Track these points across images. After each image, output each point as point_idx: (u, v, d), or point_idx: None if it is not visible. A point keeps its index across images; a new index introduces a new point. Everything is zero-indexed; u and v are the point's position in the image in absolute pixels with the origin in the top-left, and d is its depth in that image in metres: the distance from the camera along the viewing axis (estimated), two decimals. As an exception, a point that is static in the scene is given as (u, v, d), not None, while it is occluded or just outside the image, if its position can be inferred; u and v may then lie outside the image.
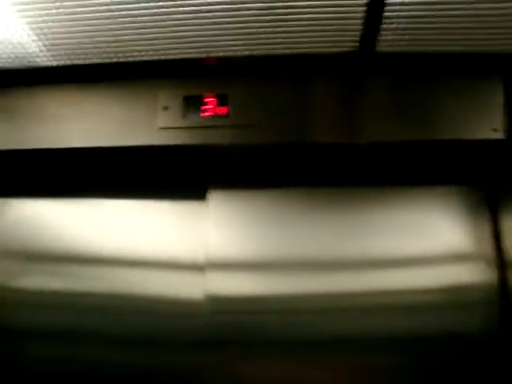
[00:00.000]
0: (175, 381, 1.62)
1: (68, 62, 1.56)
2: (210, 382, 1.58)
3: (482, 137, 1.49)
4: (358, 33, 1.38)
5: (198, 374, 1.59)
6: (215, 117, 1.54)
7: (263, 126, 1.53)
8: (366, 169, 1.73)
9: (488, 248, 1.64)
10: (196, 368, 1.59)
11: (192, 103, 1.56)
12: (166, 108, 1.56)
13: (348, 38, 1.41)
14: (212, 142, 1.55)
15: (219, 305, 1.63)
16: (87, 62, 1.55)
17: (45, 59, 1.55)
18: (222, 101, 1.55)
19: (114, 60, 1.53)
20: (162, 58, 1.51)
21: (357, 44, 1.42)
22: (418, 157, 1.66)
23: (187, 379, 1.61)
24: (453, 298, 1.59)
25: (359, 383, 1.57)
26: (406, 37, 1.40)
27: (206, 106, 1.55)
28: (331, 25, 1.35)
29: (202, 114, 1.55)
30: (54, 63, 1.57)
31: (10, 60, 1.56)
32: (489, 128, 1.49)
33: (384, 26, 1.35)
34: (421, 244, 1.65)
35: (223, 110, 1.54)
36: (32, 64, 1.57)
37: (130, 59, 1.53)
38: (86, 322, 1.69)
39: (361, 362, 1.58)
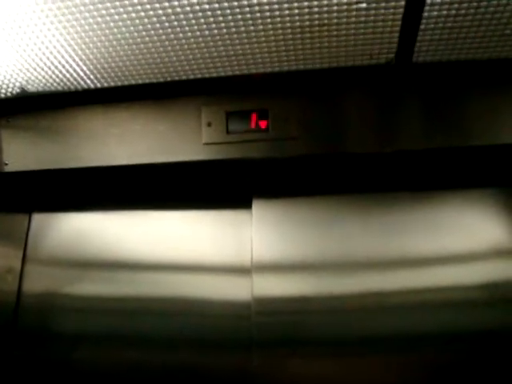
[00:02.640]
0: (223, 382, 1.67)
1: (112, 84, 1.64)
2: (258, 382, 1.63)
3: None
4: (394, 45, 1.42)
5: (246, 375, 1.64)
6: (256, 131, 1.60)
7: (301, 139, 1.57)
8: (408, 175, 1.76)
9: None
10: (244, 368, 1.64)
11: (234, 119, 1.62)
12: (209, 124, 1.62)
13: (385, 50, 1.45)
14: (254, 156, 1.60)
15: (266, 306, 1.68)
16: (132, 82, 1.62)
17: (89, 82, 1.63)
18: (263, 115, 1.60)
19: (158, 80, 1.60)
20: (205, 76, 1.57)
21: (393, 56, 1.46)
22: (461, 162, 1.69)
23: (236, 380, 1.66)
24: (496, 295, 1.61)
25: (404, 381, 1.60)
26: (442, 47, 1.43)
27: (248, 121, 1.60)
28: (368, 39, 1.40)
29: (243, 129, 1.60)
30: (99, 85, 1.64)
31: (56, 84, 1.63)
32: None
33: (420, 37, 1.39)
34: (464, 242, 1.67)
35: (263, 124, 1.59)
36: (78, 87, 1.65)
37: (174, 78, 1.59)
38: (137, 326, 1.76)
39: (406, 359, 1.60)
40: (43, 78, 1.59)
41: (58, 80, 1.61)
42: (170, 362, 1.71)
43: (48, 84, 1.63)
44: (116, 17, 1.33)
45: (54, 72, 1.57)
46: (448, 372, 1.57)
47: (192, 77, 1.58)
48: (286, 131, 1.58)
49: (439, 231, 1.69)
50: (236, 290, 1.73)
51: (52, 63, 1.52)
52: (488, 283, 1.62)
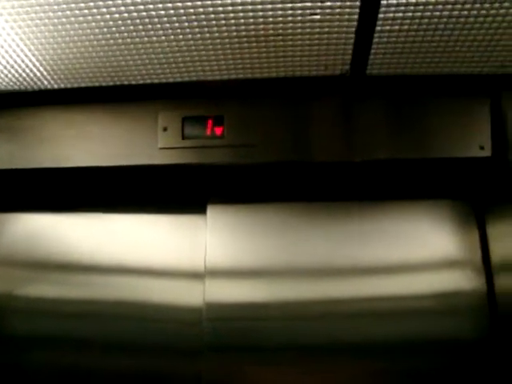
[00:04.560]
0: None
1: (69, 86, 1.63)
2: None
3: (469, 155, 1.54)
4: (348, 57, 1.44)
5: (197, 381, 1.64)
6: (212, 137, 1.60)
7: (258, 146, 1.59)
8: (359, 185, 1.79)
9: (476, 256, 1.70)
10: (196, 375, 1.64)
11: (190, 124, 1.62)
12: (165, 129, 1.62)
13: (339, 62, 1.47)
14: (209, 162, 1.60)
15: (218, 312, 1.69)
16: (89, 85, 1.61)
17: (46, 82, 1.61)
18: (218, 122, 1.60)
19: (115, 83, 1.60)
20: (162, 81, 1.57)
21: (347, 67, 1.49)
22: (410, 173, 1.72)
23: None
24: (442, 304, 1.65)
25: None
26: (395, 60, 1.46)
27: (203, 127, 1.61)
28: (323, 50, 1.42)
29: (199, 135, 1.61)
30: (56, 86, 1.63)
31: (12, 83, 1.62)
32: (476, 146, 1.54)
33: (373, 50, 1.41)
34: (412, 253, 1.71)
35: (219, 130, 1.60)
36: (36, 87, 1.63)
37: (131, 82, 1.59)
38: (88, 330, 1.74)
39: (356, 367, 1.63)
40: (-1, 76, 1.58)
41: (14, 79, 1.59)
42: (120, 367, 1.70)
43: (4, 83, 1.61)
44: (72, 19, 1.32)
45: (9, 71, 1.55)
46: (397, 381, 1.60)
47: (149, 81, 1.58)
48: (241, 138, 1.59)
49: (394, 241, 1.73)
50: (188, 295, 1.73)
51: (8, 62, 1.50)
52: (438, 292, 1.66)
